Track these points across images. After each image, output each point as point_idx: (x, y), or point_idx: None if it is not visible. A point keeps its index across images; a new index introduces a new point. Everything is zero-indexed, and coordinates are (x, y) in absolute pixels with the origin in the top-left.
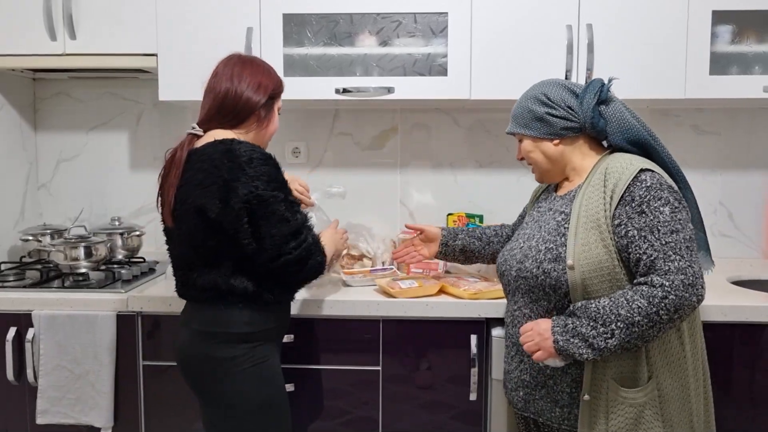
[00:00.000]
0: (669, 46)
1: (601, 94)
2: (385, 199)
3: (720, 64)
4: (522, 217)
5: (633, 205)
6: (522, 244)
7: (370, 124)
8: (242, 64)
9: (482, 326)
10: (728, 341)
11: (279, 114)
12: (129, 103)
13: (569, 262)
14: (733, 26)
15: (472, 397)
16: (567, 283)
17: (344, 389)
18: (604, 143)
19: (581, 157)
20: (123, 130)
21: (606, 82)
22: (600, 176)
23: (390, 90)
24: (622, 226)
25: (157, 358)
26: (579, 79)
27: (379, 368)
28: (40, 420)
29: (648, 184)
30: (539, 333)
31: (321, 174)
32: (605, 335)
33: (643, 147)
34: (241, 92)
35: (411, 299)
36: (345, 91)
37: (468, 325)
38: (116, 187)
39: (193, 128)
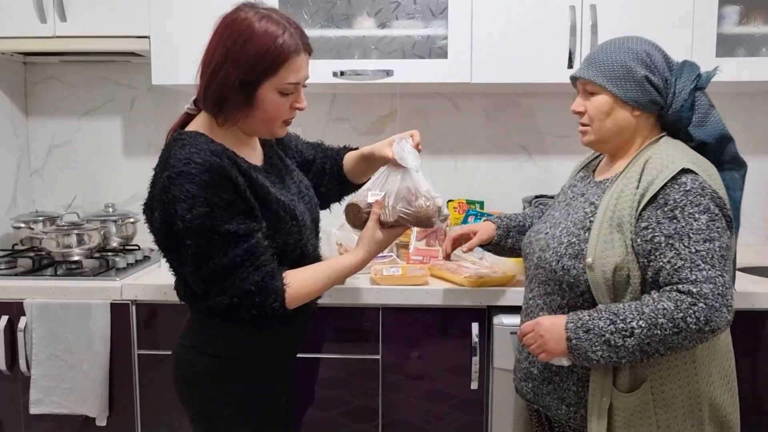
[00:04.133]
0: (675, 28)
1: (700, 80)
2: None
3: (727, 45)
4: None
5: (665, 209)
6: (548, 230)
7: (368, 108)
8: (224, 28)
9: (484, 314)
10: (733, 329)
11: (288, 95)
12: (122, 87)
13: (588, 260)
14: (741, 7)
15: (474, 386)
16: (585, 282)
17: (343, 378)
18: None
19: (642, 140)
20: (116, 115)
21: (702, 70)
22: (637, 169)
23: (389, 73)
24: (649, 231)
25: (153, 347)
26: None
27: (379, 357)
28: (33, 410)
29: (687, 188)
30: (541, 334)
31: None
32: (624, 332)
33: (719, 143)
34: (206, 69)
35: (412, 287)
36: (342, 74)
37: (469, 313)
38: (110, 174)
39: (188, 107)
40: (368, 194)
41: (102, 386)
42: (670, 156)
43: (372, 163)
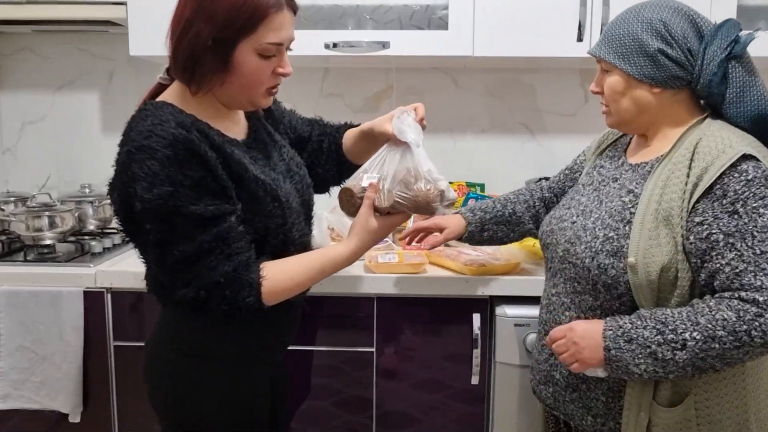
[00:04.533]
0: None
1: (735, 47)
2: None
3: (747, 17)
4: (571, 171)
5: (724, 201)
6: (575, 219)
7: (362, 84)
8: None
9: (486, 305)
10: None
11: (269, 57)
12: (100, 60)
13: (631, 260)
14: None
15: (474, 380)
16: (626, 284)
17: (336, 371)
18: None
19: (675, 118)
20: (93, 89)
21: (743, 32)
22: (686, 153)
23: (385, 45)
24: (705, 227)
25: (129, 338)
26: (593, 36)
27: (373, 350)
28: (1, 405)
29: (749, 177)
30: (574, 341)
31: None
32: (674, 345)
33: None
34: (176, 29)
35: (409, 275)
36: (335, 46)
37: (470, 303)
38: (87, 152)
39: (161, 76)
40: (363, 177)
41: (75, 380)
42: (725, 139)
43: (372, 140)
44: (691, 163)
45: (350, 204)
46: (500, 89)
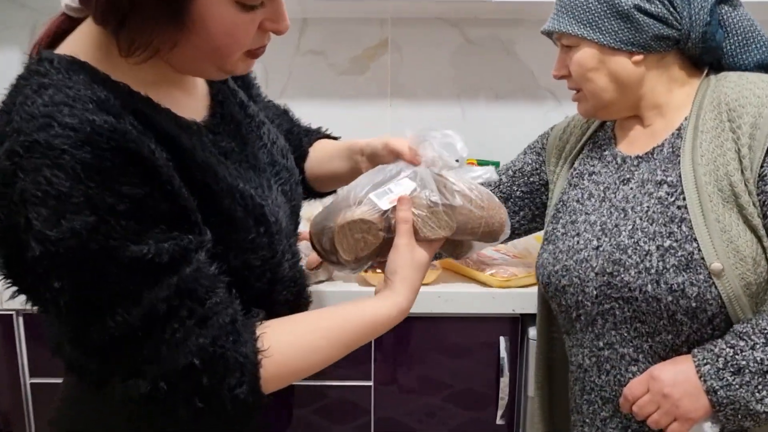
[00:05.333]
0: None
1: None
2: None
3: None
4: (523, 174)
5: None
6: (598, 243)
7: (349, 38)
8: None
9: (516, 325)
10: None
11: (254, 8)
12: (24, 11)
13: (715, 265)
14: None
15: (500, 419)
16: (716, 300)
17: (325, 411)
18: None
19: (667, 86)
20: (15, 45)
21: None
22: (714, 113)
23: None
24: None
25: (51, 373)
26: None
27: (371, 384)
28: None
29: None
30: (664, 394)
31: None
32: None
33: None
34: None
35: None
36: None
37: (496, 323)
38: None
39: (67, 2)
40: (369, 198)
41: None
42: (757, 83)
43: (360, 162)
44: (730, 120)
45: (362, 242)
46: (520, 45)
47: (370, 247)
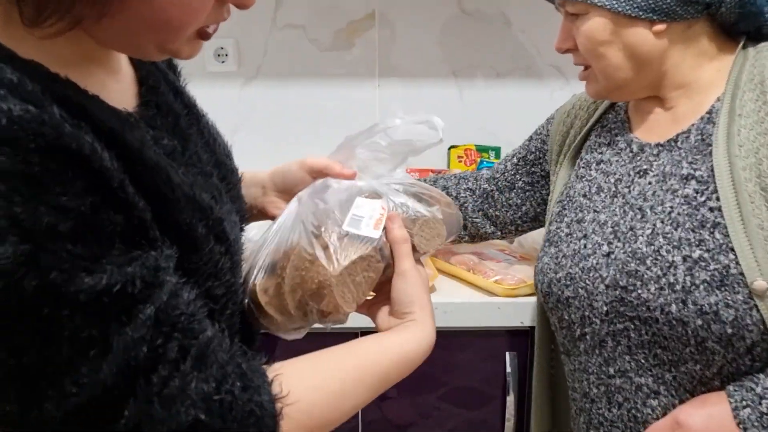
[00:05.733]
0: None
1: None
2: (356, 124)
3: None
4: (525, 163)
5: None
6: (610, 248)
7: (332, 11)
8: None
9: (525, 339)
10: None
11: None
12: None
13: (757, 283)
14: None
15: None
16: (758, 326)
17: None
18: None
19: (695, 61)
20: None
21: None
22: (756, 92)
23: None
24: None
25: None
26: None
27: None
28: None
29: None
30: None
31: (259, 88)
32: None
33: None
34: None
35: None
36: None
37: (501, 337)
38: None
39: None
40: (343, 231)
41: None
42: None
43: (256, 199)
44: None
45: (364, 285)
46: (525, 16)
47: (371, 286)
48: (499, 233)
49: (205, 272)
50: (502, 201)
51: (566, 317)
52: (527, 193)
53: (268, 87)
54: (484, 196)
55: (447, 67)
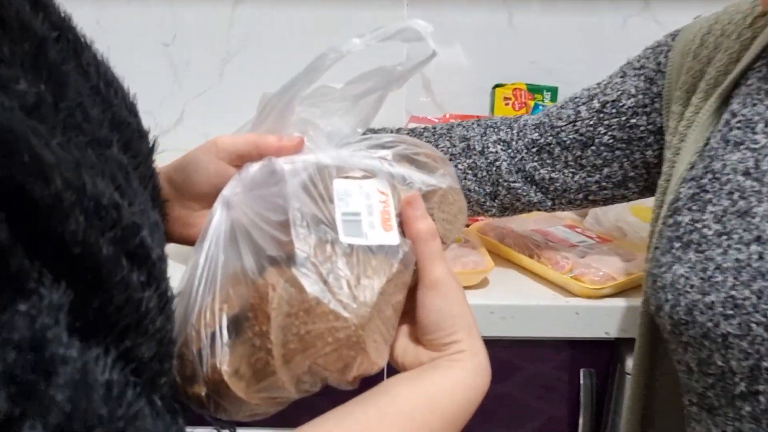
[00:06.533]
0: None
1: None
2: (381, 58)
3: None
4: (619, 112)
5: None
6: None
7: None
8: None
9: (606, 353)
10: None
11: None
12: None
13: None
14: None
15: None
16: None
17: None
18: None
19: None
20: None
21: None
22: None
23: None
24: None
25: None
26: None
27: None
28: None
29: None
30: None
31: (248, 8)
32: None
33: None
34: None
35: None
36: None
37: (575, 350)
38: None
39: None
40: (351, 247)
41: None
42: None
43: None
44: None
45: (394, 317)
46: None
47: (400, 314)
48: (549, 203)
49: (119, 323)
50: (565, 159)
51: (719, 362)
52: (615, 153)
53: (271, 8)
54: (533, 150)
55: None
